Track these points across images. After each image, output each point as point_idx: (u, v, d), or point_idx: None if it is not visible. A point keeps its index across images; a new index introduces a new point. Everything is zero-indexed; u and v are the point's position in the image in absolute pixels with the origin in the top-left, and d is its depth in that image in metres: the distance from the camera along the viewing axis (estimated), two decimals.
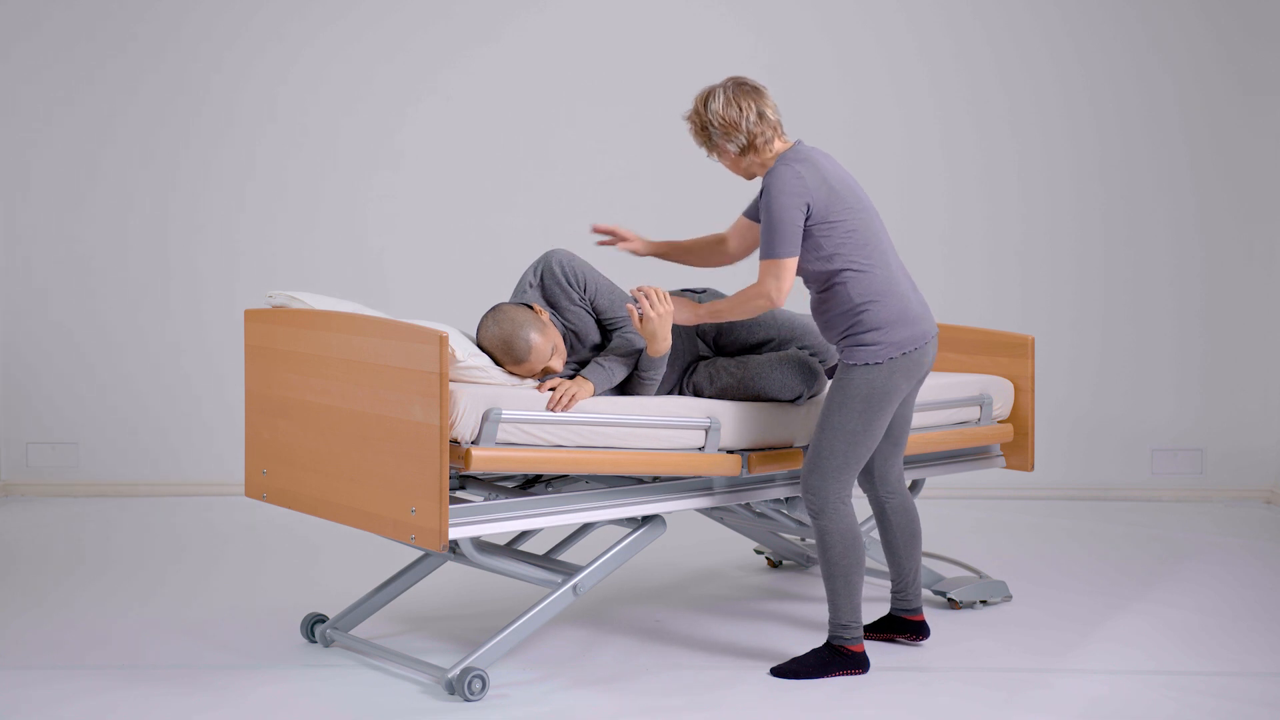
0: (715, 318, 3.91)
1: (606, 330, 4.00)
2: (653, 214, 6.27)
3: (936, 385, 4.45)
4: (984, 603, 4.55)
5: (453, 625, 4.33)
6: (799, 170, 3.77)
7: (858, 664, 3.90)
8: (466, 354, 3.69)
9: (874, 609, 4.45)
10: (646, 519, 3.96)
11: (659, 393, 4.03)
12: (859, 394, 3.81)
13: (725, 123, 3.84)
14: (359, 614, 4.14)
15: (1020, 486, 6.21)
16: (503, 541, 4.50)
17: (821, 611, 4.46)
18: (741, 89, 3.86)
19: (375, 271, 6.24)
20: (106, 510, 5.95)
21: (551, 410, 3.73)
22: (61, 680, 3.81)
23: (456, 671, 3.68)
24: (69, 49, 6.15)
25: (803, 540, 4.98)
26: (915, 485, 4.69)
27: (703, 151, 4.02)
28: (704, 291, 4.23)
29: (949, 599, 4.49)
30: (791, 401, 4.09)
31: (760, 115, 3.84)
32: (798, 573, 4.98)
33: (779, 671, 3.90)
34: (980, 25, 6.25)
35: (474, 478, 4.06)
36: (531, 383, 3.85)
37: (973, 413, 4.51)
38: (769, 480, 4.13)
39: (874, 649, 4.10)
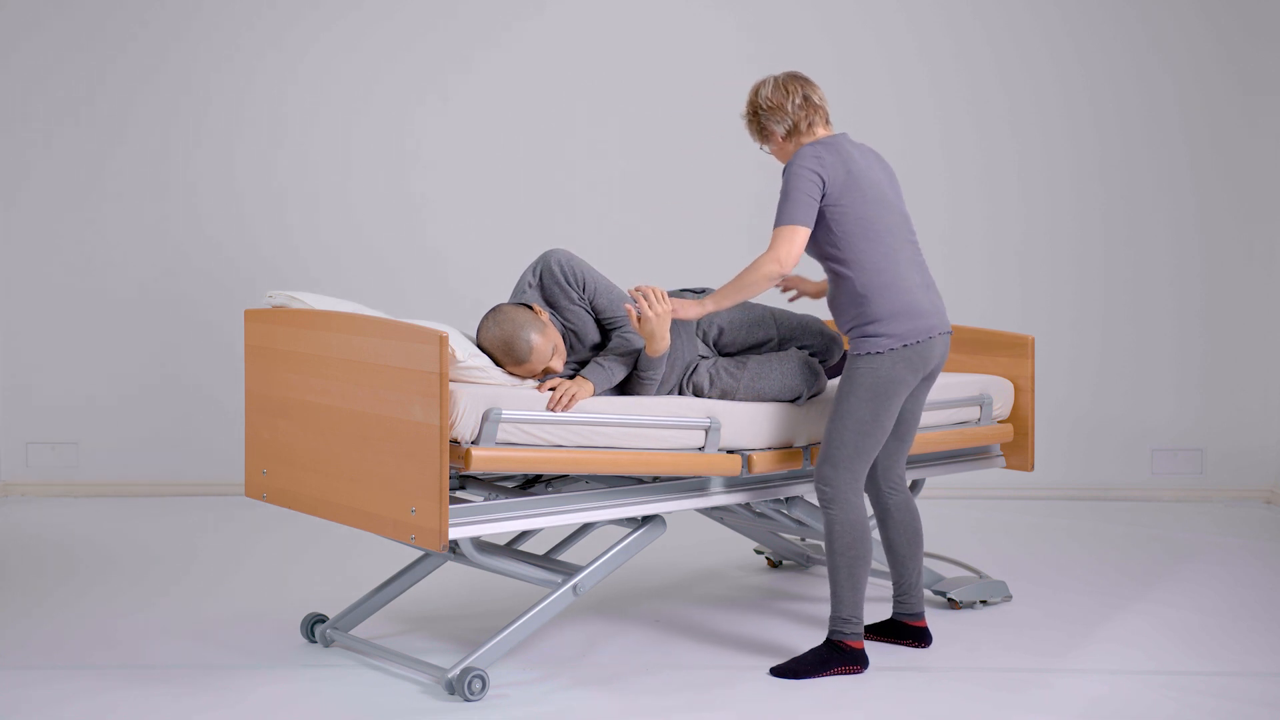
0: (721, 303, 3.92)
1: (606, 330, 4.00)
2: (653, 214, 6.27)
3: (936, 385, 4.45)
4: (984, 603, 4.55)
5: (453, 625, 4.33)
6: (819, 151, 3.88)
7: (856, 660, 3.90)
8: (466, 354, 3.69)
9: (876, 610, 4.46)
10: (646, 519, 3.96)
11: (659, 393, 4.03)
12: (864, 383, 3.87)
13: (772, 105, 3.97)
14: (359, 614, 4.14)
15: (1020, 486, 6.21)
16: (503, 541, 4.51)
17: (821, 611, 4.46)
18: (792, 76, 4.02)
19: (375, 271, 6.24)
20: (106, 510, 5.95)
21: (551, 410, 3.73)
22: (61, 680, 3.81)
23: (456, 671, 3.68)
24: (72, 49, 6.15)
25: (803, 540, 4.98)
26: (915, 485, 4.69)
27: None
28: (703, 291, 4.23)
29: (949, 599, 4.49)
30: (792, 401, 4.10)
31: (805, 99, 3.98)
32: (798, 573, 4.98)
33: (779, 671, 3.90)
34: (980, 25, 6.25)
35: (474, 478, 4.06)
36: (531, 383, 3.86)
37: (973, 413, 4.51)
38: (769, 480, 4.13)
39: (874, 649, 4.10)
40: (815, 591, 4.73)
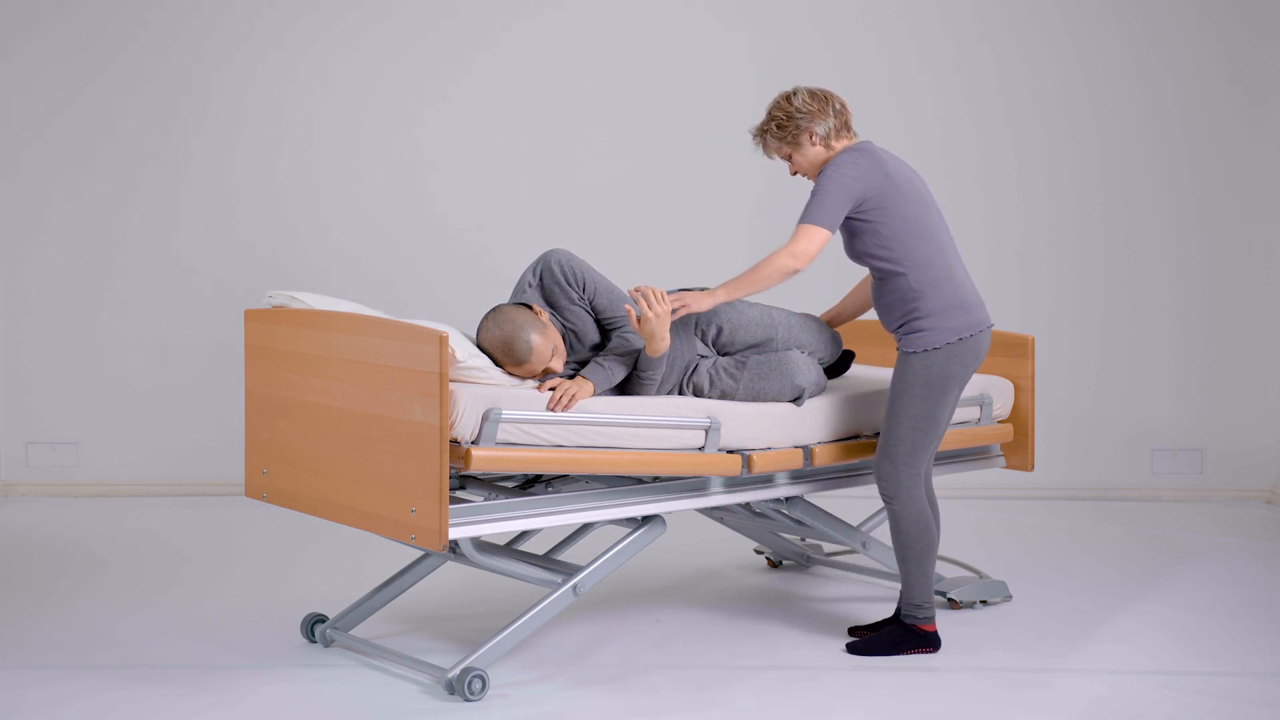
0: (733, 293, 3.93)
1: (606, 330, 4.00)
2: (653, 214, 6.27)
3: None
4: (984, 603, 4.55)
5: (453, 625, 4.33)
6: (857, 158, 3.93)
7: (929, 642, 4.04)
8: (466, 354, 3.69)
9: (879, 610, 4.46)
10: (646, 519, 3.96)
11: (659, 393, 4.03)
12: (918, 380, 3.94)
13: (812, 110, 3.99)
14: (359, 614, 4.14)
15: (1020, 486, 6.21)
16: (503, 541, 4.51)
17: (821, 611, 4.47)
18: (815, 89, 4.05)
19: (376, 271, 6.24)
20: (106, 510, 5.95)
21: (551, 410, 3.73)
22: (61, 680, 3.81)
23: (456, 671, 3.68)
24: (72, 47, 6.15)
25: (803, 540, 4.98)
26: None
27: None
28: (702, 291, 4.23)
29: (949, 599, 4.49)
30: (792, 402, 4.10)
31: (842, 105, 4.04)
32: (798, 573, 4.98)
33: (854, 649, 4.02)
34: (979, 24, 6.25)
35: (474, 478, 4.06)
36: (531, 383, 3.86)
37: (973, 413, 4.51)
38: (769, 480, 4.14)
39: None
40: (815, 591, 4.73)
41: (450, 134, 6.25)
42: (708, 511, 4.52)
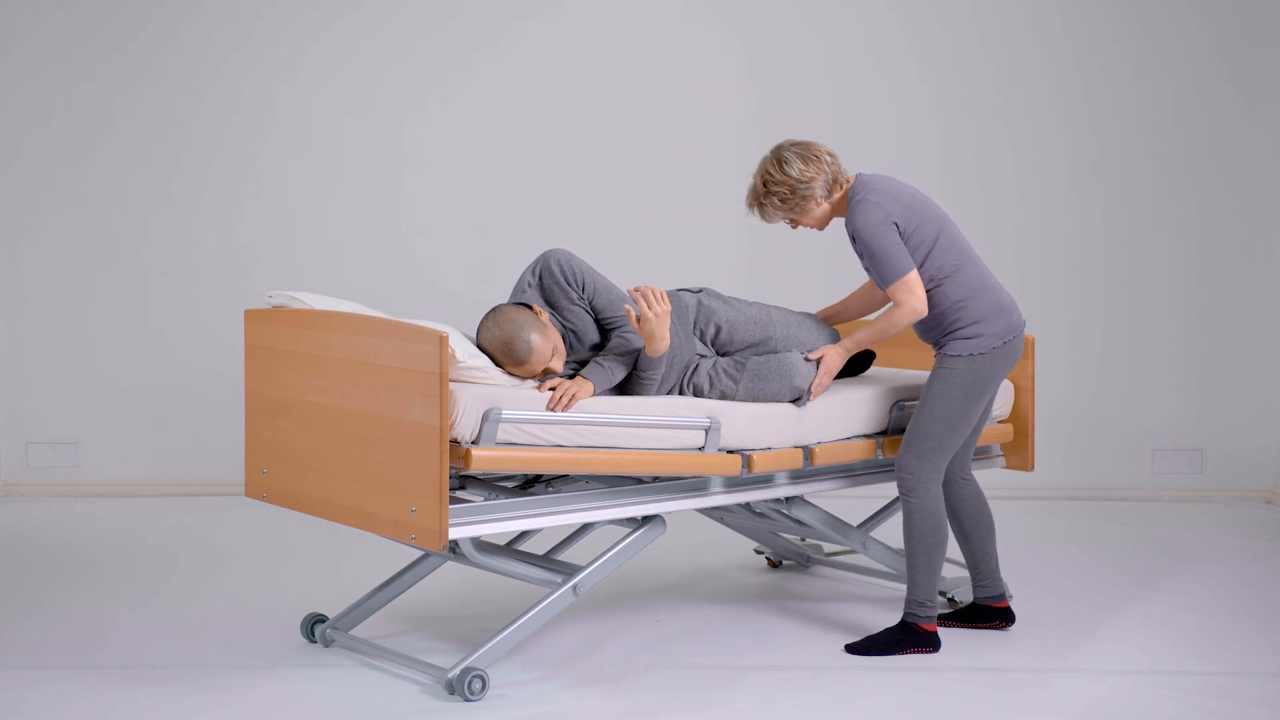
0: (860, 345, 4.10)
1: (605, 330, 4.00)
2: (653, 214, 6.27)
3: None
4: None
5: (453, 625, 4.33)
6: (874, 200, 3.97)
7: (929, 643, 4.04)
8: (466, 354, 3.69)
9: (878, 609, 4.46)
10: (646, 519, 3.96)
11: (659, 393, 4.03)
12: (962, 382, 4.00)
13: (810, 175, 3.99)
14: (359, 614, 4.14)
15: (1020, 486, 6.21)
16: (503, 541, 4.51)
17: (821, 611, 4.47)
18: (796, 144, 4.03)
19: (375, 271, 6.24)
20: (106, 510, 5.95)
21: (551, 410, 3.73)
22: (61, 680, 3.81)
23: (456, 671, 3.68)
24: (71, 46, 6.15)
25: (803, 540, 4.98)
26: None
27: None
28: (701, 290, 4.24)
29: (949, 599, 4.49)
30: (792, 402, 4.10)
31: (830, 155, 4.03)
32: (798, 573, 4.98)
33: (854, 648, 4.02)
34: (978, 26, 6.25)
35: (474, 478, 4.06)
36: (531, 383, 3.86)
37: None
38: (769, 480, 4.14)
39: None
40: (815, 591, 4.73)
41: (450, 134, 6.25)
42: (708, 511, 4.52)
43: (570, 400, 3.75)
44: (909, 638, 4.04)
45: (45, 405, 6.25)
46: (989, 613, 4.27)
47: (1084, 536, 5.58)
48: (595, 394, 3.85)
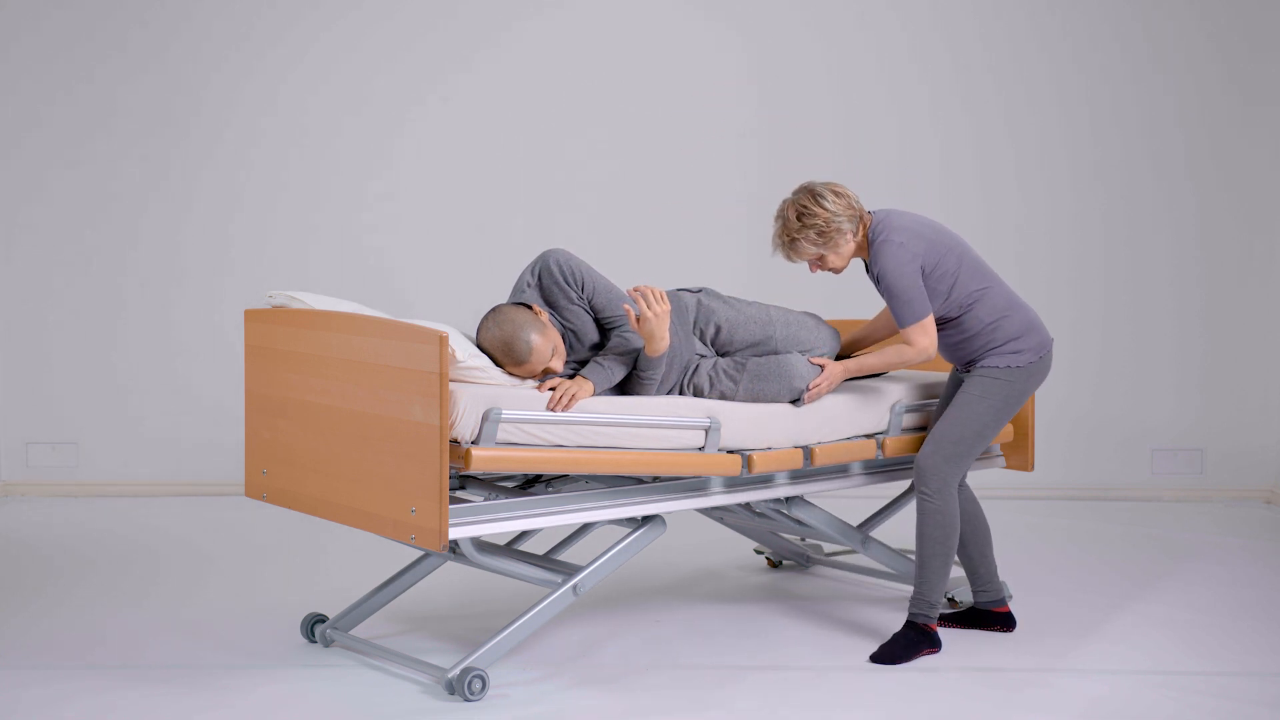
0: (865, 372, 4.18)
1: (605, 329, 4.00)
2: (653, 214, 6.27)
3: (937, 384, 4.46)
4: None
5: (453, 625, 4.33)
6: (898, 240, 4.01)
7: (934, 642, 4.06)
8: (466, 354, 3.69)
9: (877, 610, 4.46)
10: (646, 519, 3.96)
11: (659, 392, 4.03)
12: (1001, 393, 4.06)
13: (839, 209, 4.02)
14: (359, 614, 4.14)
15: (1020, 486, 6.22)
16: (503, 541, 4.51)
17: (821, 611, 4.47)
18: (823, 182, 4.06)
19: (376, 272, 6.24)
20: (106, 510, 5.95)
21: (551, 410, 3.73)
22: (61, 680, 3.81)
23: (456, 671, 3.68)
24: (69, 46, 6.15)
25: (803, 540, 4.98)
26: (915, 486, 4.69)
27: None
28: (701, 290, 4.23)
29: (949, 599, 4.49)
30: (791, 403, 4.10)
31: (853, 193, 4.08)
32: (798, 573, 4.98)
33: (876, 658, 4.01)
34: (977, 27, 6.25)
35: (474, 478, 4.06)
36: (531, 382, 3.86)
37: None
38: (769, 480, 4.14)
39: (871, 647, 4.10)
40: (815, 591, 4.73)
41: (450, 134, 6.25)
42: (708, 511, 4.52)
43: (570, 400, 3.75)
44: (922, 639, 4.04)
45: (45, 405, 6.25)
46: (990, 617, 4.27)
47: (1084, 536, 5.58)
48: (595, 394, 3.85)
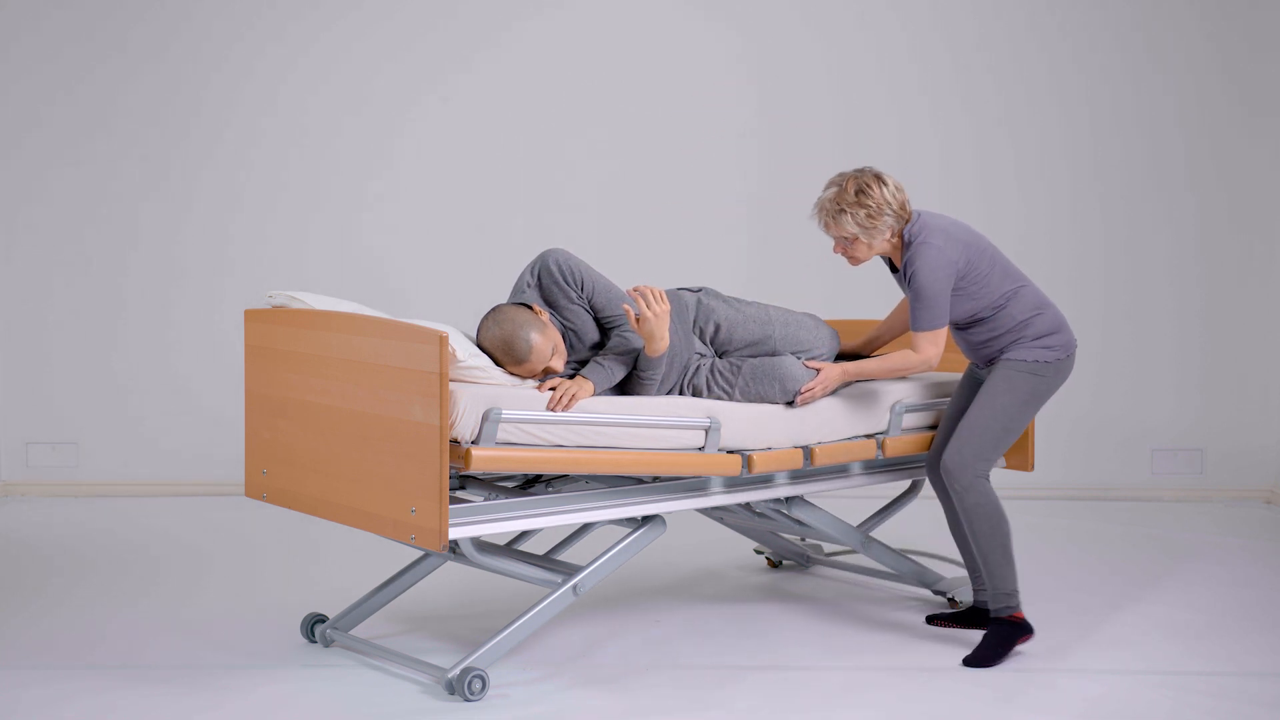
0: (861, 375, 4.14)
1: (605, 329, 4.00)
2: (653, 214, 6.27)
3: (936, 384, 4.46)
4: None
5: (453, 625, 4.33)
6: (938, 244, 3.98)
7: (1026, 630, 4.04)
8: (467, 354, 3.69)
9: (878, 610, 4.46)
10: (646, 519, 3.96)
11: (659, 392, 4.03)
12: (1028, 387, 4.05)
13: (897, 208, 4.00)
14: (359, 614, 4.14)
15: (1020, 486, 6.21)
16: (503, 541, 4.51)
17: (821, 611, 4.47)
18: (888, 176, 4.03)
19: (375, 272, 6.24)
20: (106, 510, 5.95)
21: (552, 410, 3.73)
22: (61, 680, 3.81)
23: (456, 671, 3.68)
24: (69, 45, 6.15)
25: (803, 540, 4.98)
26: (915, 486, 4.70)
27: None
28: (701, 290, 4.24)
29: (949, 599, 4.49)
30: (787, 404, 4.09)
31: (907, 196, 4.06)
32: (798, 573, 4.98)
33: (970, 662, 3.98)
34: (978, 29, 6.25)
35: (474, 478, 4.06)
36: (532, 382, 3.86)
37: None
38: (769, 480, 4.14)
39: (871, 647, 4.10)
40: (815, 591, 4.73)
41: (450, 133, 6.25)
42: (708, 511, 4.52)
43: (570, 400, 3.75)
44: (1013, 631, 4.01)
45: (45, 405, 6.25)
46: (989, 617, 4.25)
47: (1084, 536, 5.58)
48: (595, 394, 3.85)
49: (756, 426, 4.03)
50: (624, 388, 4.02)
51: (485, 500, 3.82)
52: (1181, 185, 6.27)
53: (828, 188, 4.04)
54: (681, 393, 4.11)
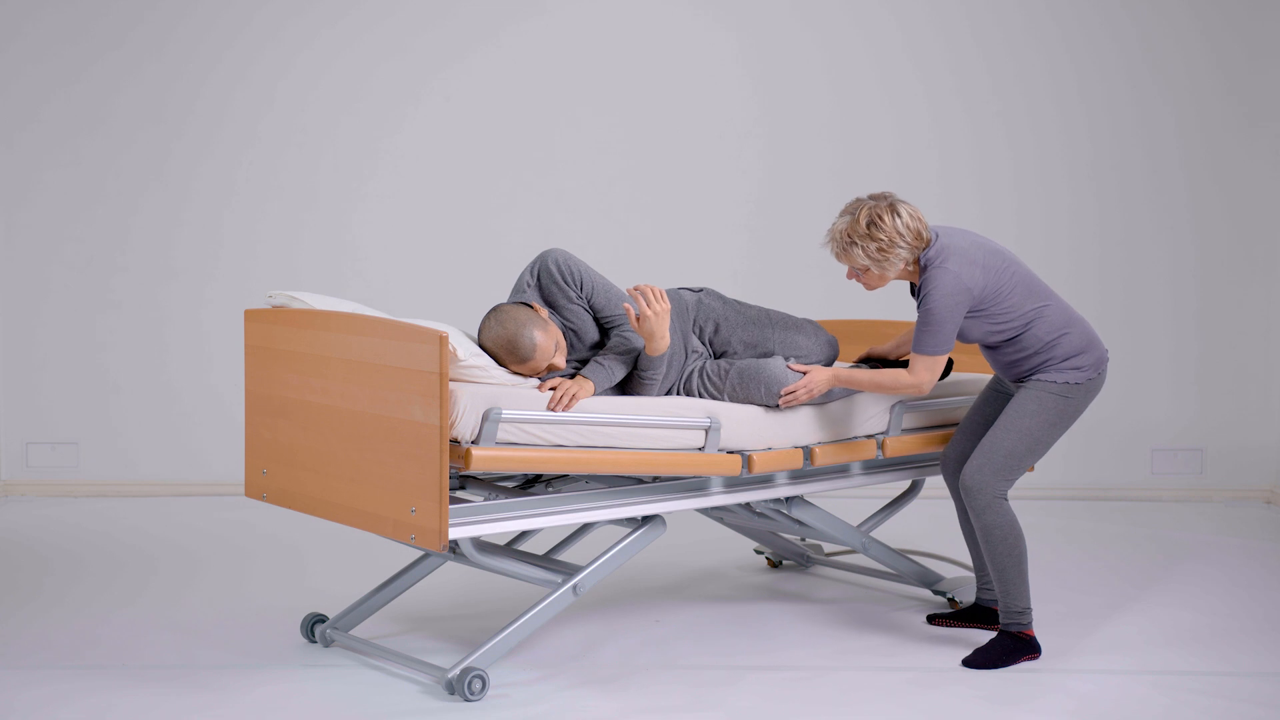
0: (849, 382, 4.05)
1: (605, 329, 4.00)
2: (653, 214, 6.27)
3: (938, 384, 4.45)
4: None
5: (453, 625, 4.33)
6: (955, 270, 3.89)
7: (1033, 648, 4.01)
8: (468, 353, 3.69)
9: (878, 610, 4.46)
10: (646, 519, 3.97)
11: (659, 392, 4.03)
12: (1055, 408, 3.97)
13: (909, 240, 3.90)
14: (359, 614, 4.14)
15: (1019, 486, 6.18)
16: (503, 541, 4.51)
17: (821, 611, 4.47)
18: (904, 204, 3.93)
19: (375, 272, 6.24)
20: (106, 510, 5.95)
21: (552, 410, 3.73)
22: (60, 680, 3.81)
23: (456, 671, 3.68)
24: (66, 45, 6.14)
25: (803, 540, 4.98)
26: (915, 486, 4.70)
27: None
28: (701, 290, 4.24)
29: (949, 599, 4.49)
30: (773, 407, 4.08)
31: (925, 223, 3.94)
32: (798, 573, 4.98)
33: (970, 663, 3.97)
34: (974, 30, 6.25)
35: (474, 478, 4.06)
36: (532, 382, 3.86)
37: None
38: (769, 480, 4.14)
39: (871, 647, 4.10)
40: (815, 591, 4.73)
41: (449, 133, 6.25)
42: (708, 511, 4.52)
43: (570, 400, 3.75)
44: (1020, 645, 3.99)
45: (45, 405, 6.25)
46: (991, 615, 4.28)
47: (1083, 536, 5.58)
48: (595, 393, 3.85)
49: (756, 426, 4.03)
50: (624, 387, 4.02)
51: (485, 500, 3.82)
52: (1180, 186, 6.27)
53: (841, 215, 3.95)
54: (679, 393, 4.11)
